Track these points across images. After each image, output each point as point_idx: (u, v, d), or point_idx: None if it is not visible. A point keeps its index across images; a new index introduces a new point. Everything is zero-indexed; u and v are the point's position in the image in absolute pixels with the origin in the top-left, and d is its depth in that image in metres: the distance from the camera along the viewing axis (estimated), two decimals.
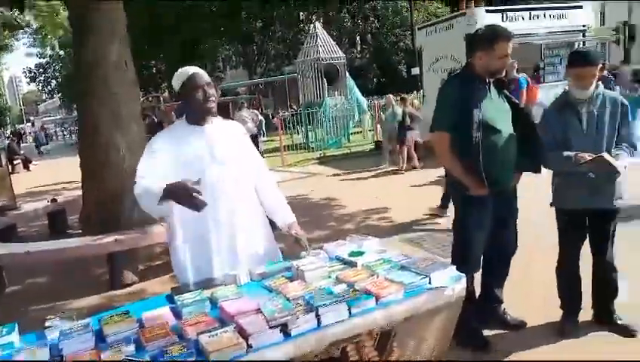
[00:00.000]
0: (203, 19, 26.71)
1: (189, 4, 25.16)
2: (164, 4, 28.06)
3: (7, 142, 20.78)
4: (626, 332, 2.88)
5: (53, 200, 7.19)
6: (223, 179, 2.36)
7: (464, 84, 2.75)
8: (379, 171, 9.77)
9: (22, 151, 19.49)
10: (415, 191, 7.68)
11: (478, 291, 3.07)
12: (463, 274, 2.09)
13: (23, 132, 41.57)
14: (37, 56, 45.45)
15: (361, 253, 2.34)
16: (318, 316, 1.75)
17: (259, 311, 1.81)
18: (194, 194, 2.02)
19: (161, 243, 5.10)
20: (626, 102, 2.85)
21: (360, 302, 1.84)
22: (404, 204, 6.70)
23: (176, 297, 2.08)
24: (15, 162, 17.32)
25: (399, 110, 9.68)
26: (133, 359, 1.54)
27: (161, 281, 4.61)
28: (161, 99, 34.43)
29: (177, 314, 1.95)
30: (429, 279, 1.98)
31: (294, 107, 16.33)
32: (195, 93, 2.31)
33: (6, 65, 46.37)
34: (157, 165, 2.28)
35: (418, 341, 2.06)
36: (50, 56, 44.75)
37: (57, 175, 14.22)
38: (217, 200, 2.32)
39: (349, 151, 12.36)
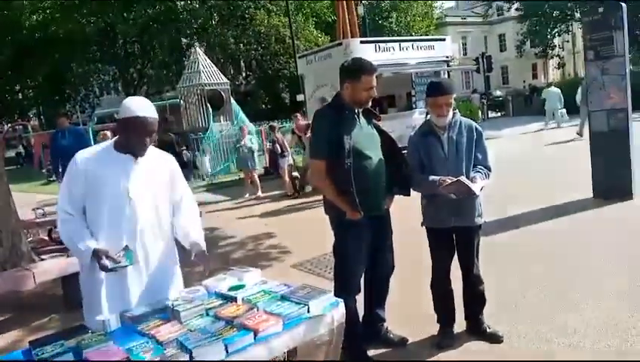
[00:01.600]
0: (74, 43, 25.13)
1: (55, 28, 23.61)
2: (30, 27, 26.02)
3: None
4: (494, 339, 3.14)
5: None
6: (143, 211, 2.34)
7: (335, 113, 2.87)
8: (269, 196, 9.78)
9: None
10: (304, 216, 7.79)
11: (361, 313, 3.16)
12: (341, 300, 2.15)
13: None
14: None
15: (241, 287, 2.31)
16: (192, 358, 1.68)
17: (128, 360, 1.69)
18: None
19: (25, 290, 4.60)
20: (480, 128, 3.16)
21: (237, 339, 1.80)
22: (295, 230, 6.77)
23: (34, 351, 1.87)
24: None
25: (248, 141, 10.16)
26: None
27: (27, 331, 4.13)
28: (30, 127, 31.46)
29: None
30: (308, 308, 2.00)
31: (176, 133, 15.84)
32: (132, 136, 2.30)
33: None
34: (76, 196, 2.32)
35: None
36: None
37: None
38: (136, 233, 2.34)
39: (238, 177, 12.22)
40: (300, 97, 15.75)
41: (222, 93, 15.27)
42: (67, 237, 2.34)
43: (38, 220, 7.88)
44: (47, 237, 7.57)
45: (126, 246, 2.29)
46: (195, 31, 26.41)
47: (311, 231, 6.46)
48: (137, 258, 2.32)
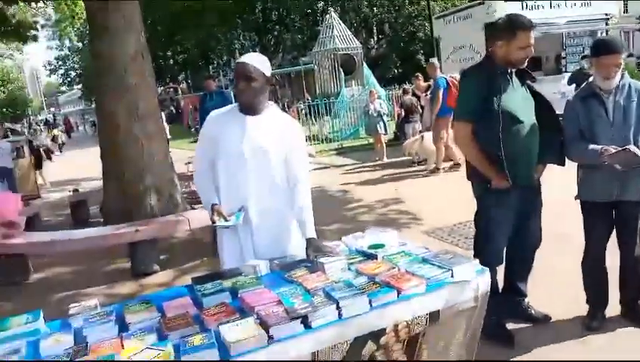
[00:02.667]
0: (219, 11, 26.81)
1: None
2: None
3: (27, 134, 21.14)
4: None
5: (75, 191, 7.31)
6: (258, 172, 2.39)
7: (485, 72, 2.70)
8: (397, 162, 9.70)
9: (45, 142, 19.79)
10: (434, 183, 7.61)
11: (501, 284, 3.03)
12: (487, 268, 2.06)
13: (48, 121, 42.16)
14: (56, 48, 46.04)
15: (381, 246, 2.32)
16: (338, 308, 1.74)
17: (279, 302, 1.81)
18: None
19: (179, 235, 5.17)
20: None
21: (381, 294, 1.82)
22: (425, 197, 6.65)
23: (196, 287, 2.09)
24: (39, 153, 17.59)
25: (377, 105, 9.98)
26: (155, 348, 1.55)
27: (181, 270, 4.66)
28: (179, 90, 34.74)
29: (198, 303, 1.97)
30: (452, 272, 1.96)
31: (309, 98, 16.27)
32: (237, 83, 2.37)
33: (27, 57, 47.09)
34: (205, 154, 2.49)
35: (447, 340, 2.03)
36: (69, 48, 45.27)
37: (79, 166, 14.47)
38: (250, 193, 2.40)
39: (367, 142, 12.28)
40: (433, 60, 15.19)
41: (354, 57, 15.31)
42: (198, 190, 2.60)
43: (189, 173, 8.75)
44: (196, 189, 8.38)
45: (241, 207, 2.39)
46: None
47: (444, 199, 6.31)
48: (251, 219, 2.40)
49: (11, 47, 30.14)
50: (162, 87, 36.06)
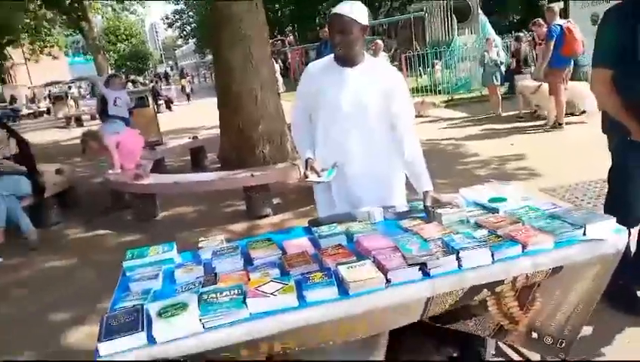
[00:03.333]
0: None
1: None
2: None
3: (152, 84, 22.84)
4: None
5: (194, 138, 7.83)
6: (357, 126, 2.36)
7: (629, 15, 2.36)
8: (510, 116, 9.09)
9: (164, 93, 21.36)
10: (553, 138, 7.05)
11: (633, 248, 2.76)
12: (624, 228, 1.88)
13: (167, 74, 45.23)
14: (173, 3, 48.49)
15: (502, 199, 2.20)
16: (458, 259, 1.70)
17: (396, 248, 1.80)
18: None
19: (291, 182, 5.35)
20: None
21: (504, 248, 1.74)
22: (544, 153, 6.20)
23: (313, 229, 2.15)
24: (159, 102, 19.05)
25: (494, 54, 9.20)
26: (279, 281, 1.63)
27: (293, 214, 4.86)
28: (287, 42, 35.14)
29: (315, 244, 2.03)
30: (584, 230, 1.81)
31: (419, 48, 15.63)
32: (332, 36, 2.29)
33: (147, 11, 50.29)
34: (303, 107, 2.49)
35: (563, 293, 1.92)
36: (185, 2, 47.49)
37: (196, 115, 15.44)
38: (350, 147, 2.39)
39: (479, 94, 11.61)
40: (552, 5, 13.70)
41: (469, 3, 14.30)
42: (295, 143, 2.61)
43: None
44: None
45: (334, 163, 2.38)
46: None
47: (566, 155, 5.85)
48: (346, 173, 2.40)
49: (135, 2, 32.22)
50: (270, 40, 36.73)
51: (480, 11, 14.37)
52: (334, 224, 2.15)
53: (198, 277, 1.82)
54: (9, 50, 31.48)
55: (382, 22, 25.41)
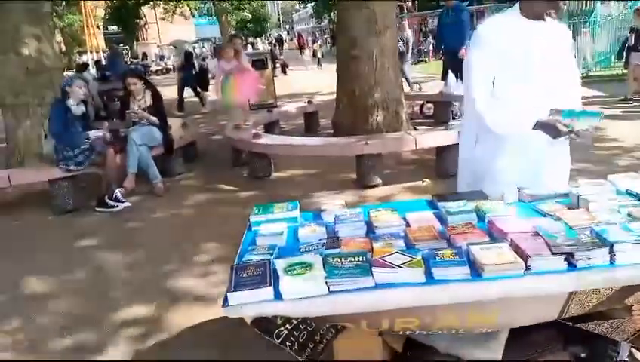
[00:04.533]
0: None
1: None
2: None
3: (270, 47, 23.46)
4: None
5: (309, 102, 7.92)
6: (548, 88, 2.16)
7: None
8: None
9: (281, 57, 21.86)
10: None
11: None
12: None
13: (282, 38, 46.26)
14: None
15: None
16: (611, 253, 1.50)
17: (536, 233, 1.64)
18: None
19: (407, 151, 5.20)
20: None
21: None
22: None
23: (440, 203, 2.04)
24: (276, 66, 19.55)
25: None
26: (406, 254, 1.56)
27: (403, 188, 4.75)
28: (405, 8, 33.99)
29: (441, 220, 1.93)
30: None
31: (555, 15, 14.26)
32: None
33: None
34: (489, 72, 2.16)
35: None
36: None
37: (310, 81, 15.64)
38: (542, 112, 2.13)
39: (620, 72, 10.36)
40: None
41: None
42: (495, 124, 2.16)
43: (413, 94, 8.65)
44: (419, 111, 8.32)
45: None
46: None
47: None
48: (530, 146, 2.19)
49: None
50: None
51: None
52: (464, 201, 2.02)
53: (320, 239, 1.81)
54: (144, 10, 34.10)
55: None
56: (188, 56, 12.18)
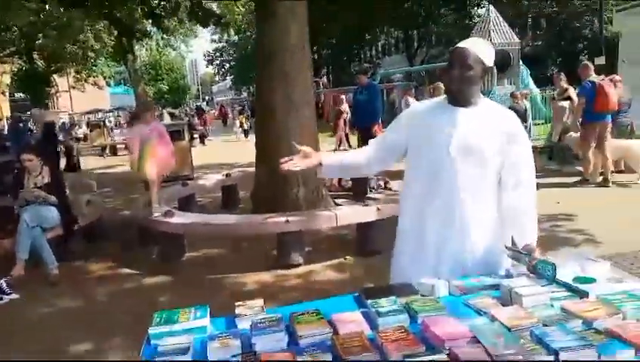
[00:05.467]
0: (368, 6, 26.81)
1: None
2: None
3: (188, 118, 23.19)
4: None
5: (227, 175, 7.68)
6: (465, 174, 2.08)
7: None
8: (550, 169, 8.68)
9: (200, 127, 21.63)
10: (604, 196, 6.61)
11: None
12: None
13: (202, 108, 46.30)
14: (217, 41, 50.16)
15: (590, 280, 1.87)
16: (557, 360, 1.37)
17: (475, 339, 1.49)
18: None
19: (327, 228, 5.06)
20: None
21: (613, 349, 1.41)
22: (597, 214, 5.78)
23: (369, 302, 1.85)
24: (193, 137, 19.24)
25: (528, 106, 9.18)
26: None
27: (325, 266, 4.56)
28: (321, 84, 35.61)
29: (370, 320, 1.73)
30: None
31: None
32: (450, 68, 2.05)
33: (191, 49, 52.12)
34: (390, 140, 2.25)
35: None
36: (226, 41, 49.04)
37: (228, 152, 15.47)
38: (452, 198, 2.09)
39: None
40: (598, 60, 13.39)
41: (510, 53, 14.16)
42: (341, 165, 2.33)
43: None
44: (337, 183, 8.34)
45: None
46: None
47: (621, 217, 5.42)
48: (453, 221, 2.11)
49: (180, 39, 33.36)
50: None
51: (520, 62, 14.20)
52: (392, 297, 1.85)
53: (234, 355, 1.53)
54: (55, 77, 32.86)
55: (417, 69, 25.50)
56: (49, 128, 10.20)
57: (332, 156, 2.37)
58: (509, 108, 8.71)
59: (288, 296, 3.94)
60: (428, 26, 29.50)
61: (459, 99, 2.08)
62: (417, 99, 11.73)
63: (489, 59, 2.05)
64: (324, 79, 41.65)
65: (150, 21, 15.21)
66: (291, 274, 4.46)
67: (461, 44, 2.06)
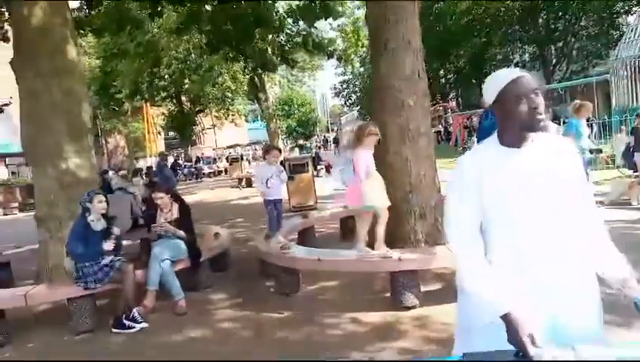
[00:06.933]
0: (495, 25, 25.67)
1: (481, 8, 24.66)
2: (458, 14, 28.15)
3: (315, 150, 24.03)
4: None
5: (345, 207, 7.63)
6: (540, 216, 1.76)
7: None
8: None
9: (326, 158, 22.23)
10: None
11: None
12: None
13: (327, 140, 47.82)
14: (341, 74, 51.86)
15: None
16: None
17: None
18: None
19: (447, 267, 4.71)
20: None
21: None
22: None
23: None
24: (319, 167, 19.78)
25: None
26: None
27: (443, 310, 4.20)
28: (449, 109, 34.65)
29: None
30: None
31: (597, 116, 13.85)
32: (517, 105, 1.73)
33: (317, 82, 54.50)
34: (471, 212, 1.81)
35: None
36: (351, 72, 50.38)
37: None
38: (531, 243, 1.76)
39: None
40: None
41: None
42: (467, 282, 1.81)
43: None
44: None
45: None
46: None
47: None
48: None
49: (307, 74, 35.26)
50: (432, 106, 36.75)
51: None
52: None
53: None
54: (200, 117, 36.76)
55: (556, 86, 23.44)
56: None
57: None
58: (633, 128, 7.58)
59: (400, 344, 3.70)
60: (567, 40, 27.15)
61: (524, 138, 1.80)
62: (555, 122, 10.72)
63: None
64: (453, 103, 40.47)
65: (279, 58, 16.21)
66: (405, 317, 4.19)
67: (519, 73, 1.77)
